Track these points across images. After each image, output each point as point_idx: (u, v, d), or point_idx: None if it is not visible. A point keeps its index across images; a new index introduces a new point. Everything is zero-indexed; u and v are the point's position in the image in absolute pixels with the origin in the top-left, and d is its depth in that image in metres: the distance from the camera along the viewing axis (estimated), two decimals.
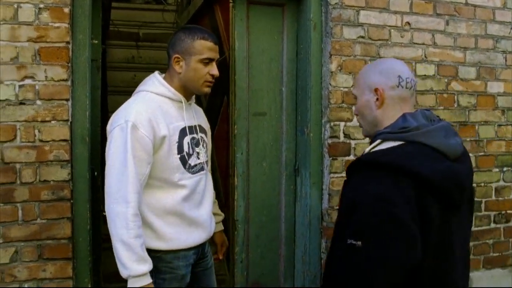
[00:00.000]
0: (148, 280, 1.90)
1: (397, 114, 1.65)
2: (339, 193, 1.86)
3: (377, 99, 1.66)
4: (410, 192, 1.47)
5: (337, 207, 2.70)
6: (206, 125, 2.29)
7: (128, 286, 1.89)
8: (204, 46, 2.04)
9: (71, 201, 2.30)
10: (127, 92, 5.37)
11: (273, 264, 2.87)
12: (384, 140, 1.60)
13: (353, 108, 1.85)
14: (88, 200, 2.35)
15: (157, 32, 5.87)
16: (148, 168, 1.95)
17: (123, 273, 1.88)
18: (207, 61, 2.04)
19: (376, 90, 1.65)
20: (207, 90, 2.10)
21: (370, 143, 1.68)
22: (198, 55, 2.03)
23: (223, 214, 2.51)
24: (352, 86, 1.83)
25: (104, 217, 2.64)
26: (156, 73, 2.14)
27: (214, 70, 2.06)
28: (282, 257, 2.88)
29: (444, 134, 1.59)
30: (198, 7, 4.85)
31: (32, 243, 2.25)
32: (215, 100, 4.56)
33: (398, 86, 1.65)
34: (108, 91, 4.72)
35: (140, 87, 2.12)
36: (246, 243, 2.79)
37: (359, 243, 1.43)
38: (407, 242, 1.43)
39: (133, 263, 1.86)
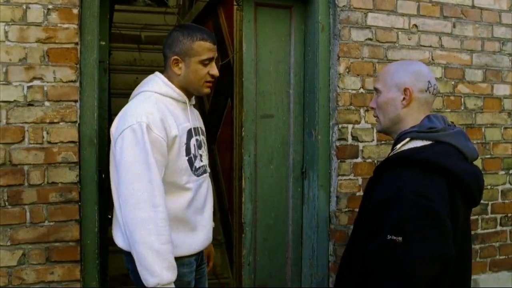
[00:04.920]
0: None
1: (420, 115, 1.70)
2: (363, 191, 1.87)
3: (404, 98, 1.69)
4: (444, 188, 1.53)
5: (348, 209, 2.70)
6: (203, 127, 2.25)
7: None
8: (203, 47, 1.99)
9: (79, 203, 2.28)
10: (129, 94, 5.37)
11: (280, 267, 2.86)
12: (412, 138, 1.64)
13: (372, 101, 1.84)
14: (96, 203, 2.33)
15: (159, 34, 5.86)
16: (164, 170, 1.89)
17: (150, 281, 1.79)
18: (206, 62, 2.00)
19: (405, 90, 1.69)
20: (207, 90, 2.06)
21: (395, 142, 1.71)
22: (198, 56, 1.99)
23: (213, 223, 2.37)
24: (375, 82, 1.83)
25: (110, 220, 2.62)
26: (158, 73, 2.08)
27: (213, 70, 2.02)
28: (290, 260, 2.87)
29: (464, 138, 1.65)
30: (201, 10, 4.85)
31: (40, 246, 2.22)
32: (218, 103, 4.56)
33: (426, 91, 1.70)
34: (110, 94, 4.75)
35: (143, 87, 2.04)
36: (253, 246, 2.77)
37: (400, 238, 1.46)
38: (445, 236, 1.49)
39: (163, 270, 1.79)
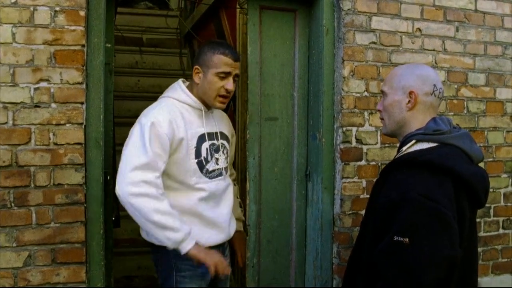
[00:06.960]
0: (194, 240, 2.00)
1: (426, 118, 1.71)
2: (369, 193, 1.88)
3: (409, 101, 1.70)
4: (450, 190, 1.54)
5: (352, 211, 2.70)
6: (229, 132, 2.34)
7: (184, 251, 1.95)
8: (222, 61, 2.09)
9: (85, 205, 2.28)
10: (131, 97, 5.36)
11: (284, 269, 2.86)
12: (418, 141, 1.65)
13: (378, 104, 1.86)
14: (101, 204, 2.34)
15: (161, 37, 5.87)
16: (163, 165, 2.00)
17: (174, 238, 1.94)
18: (223, 76, 2.10)
19: (411, 93, 1.71)
20: (219, 105, 2.15)
21: (400, 144, 1.73)
22: (215, 68, 2.09)
23: (243, 218, 2.52)
24: (382, 84, 1.86)
25: (114, 222, 2.63)
26: (180, 80, 2.22)
27: (229, 84, 2.11)
28: (293, 262, 2.87)
29: (469, 140, 1.66)
30: (203, 13, 4.86)
31: (45, 247, 2.23)
32: None
33: (431, 94, 1.72)
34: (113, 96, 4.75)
35: (165, 93, 2.21)
36: (257, 248, 2.78)
37: (407, 239, 1.48)
38: (452, 238, 1.50)
39: (181, 224, 1.95)
